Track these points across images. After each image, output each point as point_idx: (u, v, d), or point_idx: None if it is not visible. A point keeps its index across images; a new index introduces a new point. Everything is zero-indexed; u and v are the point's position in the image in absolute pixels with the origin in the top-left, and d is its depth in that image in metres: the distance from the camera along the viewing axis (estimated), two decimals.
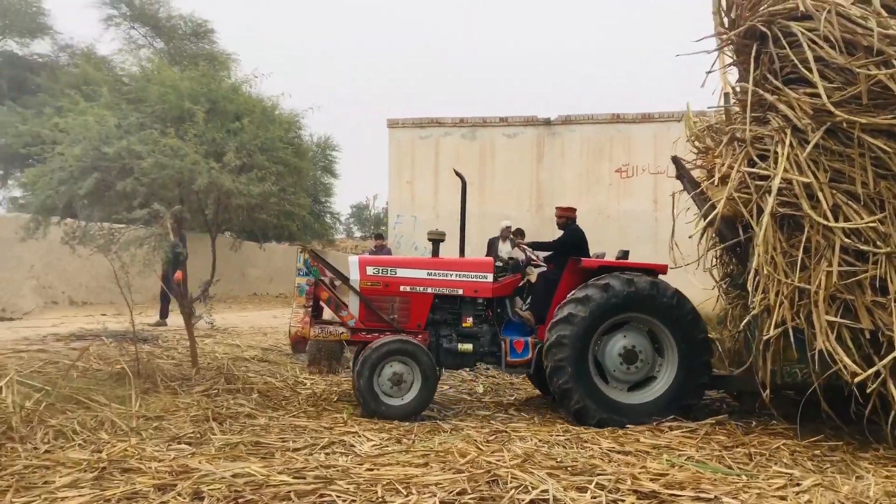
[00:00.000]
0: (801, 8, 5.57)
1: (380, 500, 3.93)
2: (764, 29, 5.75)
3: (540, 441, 5.66)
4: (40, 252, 14.51)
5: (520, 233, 12.17)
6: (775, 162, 5.54)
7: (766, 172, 5.60)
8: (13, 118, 22.40)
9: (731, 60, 6.44)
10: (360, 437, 5.64)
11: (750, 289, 5.70)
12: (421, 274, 7.08)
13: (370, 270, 7.02)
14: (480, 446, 5.32)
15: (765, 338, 5.54)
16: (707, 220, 5.66)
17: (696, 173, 7.26)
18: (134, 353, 7.41)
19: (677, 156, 7.12)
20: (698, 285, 6.92)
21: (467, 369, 8.55)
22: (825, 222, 5.46)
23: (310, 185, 15.79)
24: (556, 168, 17.28)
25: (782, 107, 5.66)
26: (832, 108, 5.44)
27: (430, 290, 7.04)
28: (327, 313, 7.35)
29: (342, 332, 6.95)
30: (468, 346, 6.99)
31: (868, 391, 5.24)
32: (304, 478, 4.24)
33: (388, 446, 5.37)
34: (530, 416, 6.97)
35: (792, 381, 6.03)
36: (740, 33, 5.79)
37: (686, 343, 6.59)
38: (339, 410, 6.73)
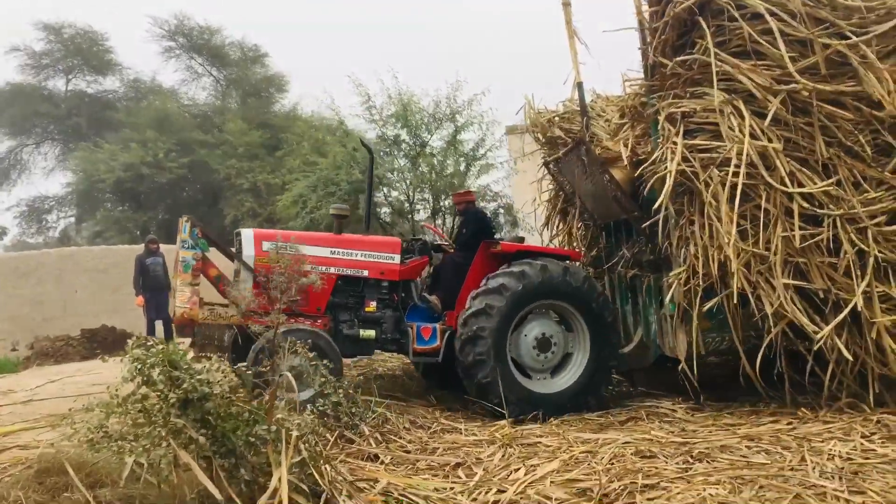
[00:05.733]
0: None
1: None
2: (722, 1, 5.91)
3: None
4: None
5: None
6: (720, 135, 5.79)
7: (718, 144, 5.84)
8: (101, 155, 24.11)
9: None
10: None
11: (680, 260, 6.00)
12: (324, 252, 6.45)
13: (266, 246, 6.22)
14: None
15: (706, 308, 5.83)
16: (663, 196, 5.90)
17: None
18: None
19: (584, 139, 7.07)
20: None
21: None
22: (785, 188, 5.70)
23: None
24: None
25: (742, 77, 5.85)
26: (798, 77, 5.65)
27: (332, 269, 6.46)
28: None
29: (232, 315, 6.12)
30: (370, 333, 6.48)
31: (816, 347, 5.52)
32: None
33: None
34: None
35: (715, 349, 6.16)
36: (686, 8, 5.95)
37: (598, 326, 6.58)
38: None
